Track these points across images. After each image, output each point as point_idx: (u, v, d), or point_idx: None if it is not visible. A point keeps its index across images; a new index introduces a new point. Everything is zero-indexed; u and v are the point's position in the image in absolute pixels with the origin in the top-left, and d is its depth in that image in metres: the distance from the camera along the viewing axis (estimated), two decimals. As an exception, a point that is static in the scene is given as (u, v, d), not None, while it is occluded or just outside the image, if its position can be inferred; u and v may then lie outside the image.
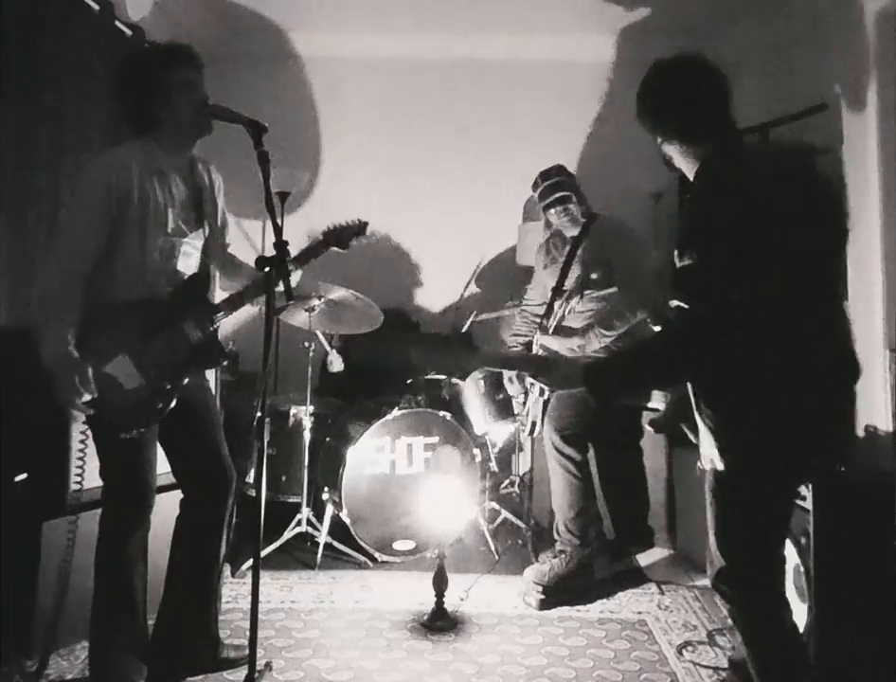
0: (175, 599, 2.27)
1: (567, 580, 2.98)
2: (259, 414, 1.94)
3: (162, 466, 2.29)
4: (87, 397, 2.01)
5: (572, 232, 3.17)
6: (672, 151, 1.85)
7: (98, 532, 2.18)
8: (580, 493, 3.04)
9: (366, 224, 2.51)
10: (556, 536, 3.11)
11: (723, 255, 1.63)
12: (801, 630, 2.31)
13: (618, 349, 2.99)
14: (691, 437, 1.85)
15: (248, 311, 4.26)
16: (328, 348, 3.80)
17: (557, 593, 2.94)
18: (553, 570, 2.98)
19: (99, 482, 2.20)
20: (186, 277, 2.23)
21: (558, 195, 3.09)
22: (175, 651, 2.27)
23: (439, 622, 2.73)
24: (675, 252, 1.70)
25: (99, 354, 2.06)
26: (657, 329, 1.97)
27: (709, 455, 1.77)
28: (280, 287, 1.90)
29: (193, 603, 2.28)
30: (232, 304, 2.24)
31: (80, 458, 2.20)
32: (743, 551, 1.78)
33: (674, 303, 1.68)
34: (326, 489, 3.41)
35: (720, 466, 1.74)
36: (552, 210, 3.12)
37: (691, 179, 1.83)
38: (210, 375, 2.98)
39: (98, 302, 2.08)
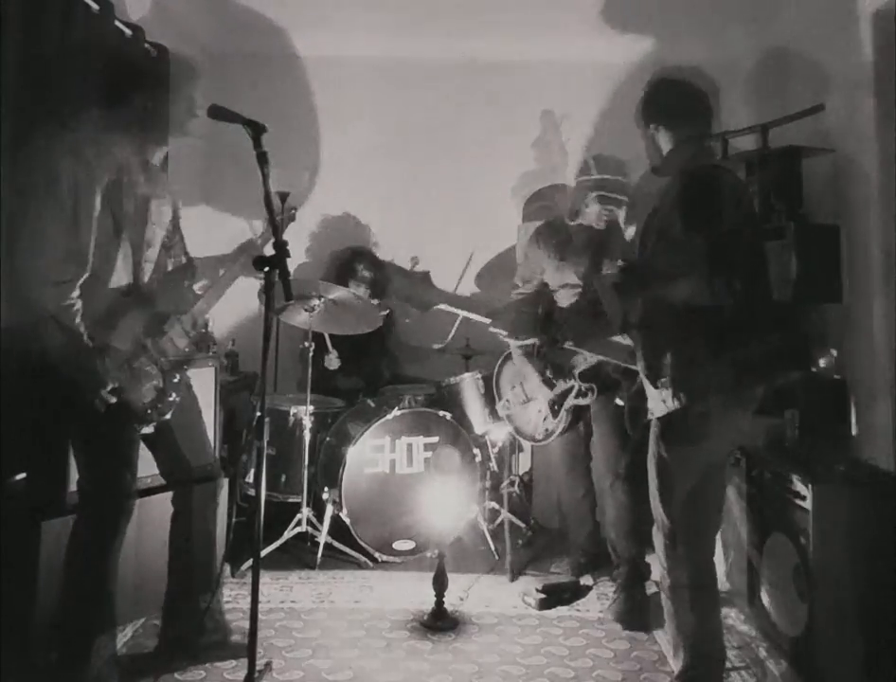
0: (179, 585, 2.36)
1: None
2: (259, 414, 1.95)
3: (147, 468, 2.31)
4: (111, 385, 2.01)
5: (600, 226, 3.09)
6: (663, 139, 2.49)
7: (72, 540, 2.14)
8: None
9: None
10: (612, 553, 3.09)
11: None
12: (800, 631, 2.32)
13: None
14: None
15: (249, 310, 4.22)
16: (329, 347, 3.91)
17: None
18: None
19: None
20: (172, 268, 2.28)
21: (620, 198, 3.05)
22: (185, 630, 2.36)
23: (439, 622, 2.73)
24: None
25: (112, 349, 2.07)
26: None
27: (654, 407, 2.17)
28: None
29: (196, 589, 2.36)
30: (215, 295, 2.30)
31: None
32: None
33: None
34: (326, 489, 3.41)
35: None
36: (606, 205, 3.04)
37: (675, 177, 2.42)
38: (209, 374, 2.99)
39: (94, 294, 2.08)
